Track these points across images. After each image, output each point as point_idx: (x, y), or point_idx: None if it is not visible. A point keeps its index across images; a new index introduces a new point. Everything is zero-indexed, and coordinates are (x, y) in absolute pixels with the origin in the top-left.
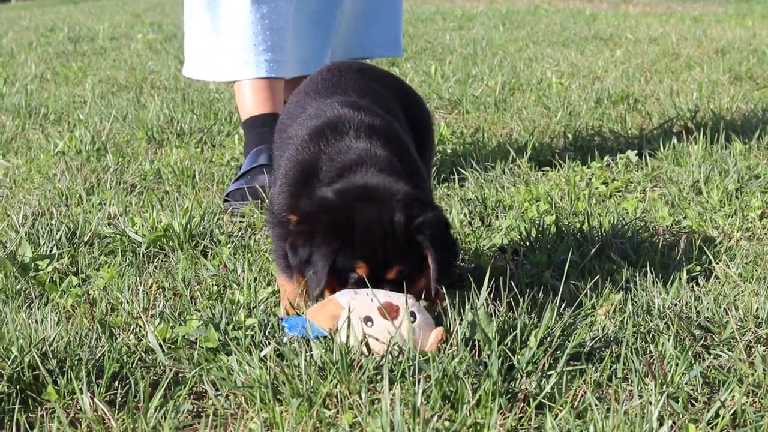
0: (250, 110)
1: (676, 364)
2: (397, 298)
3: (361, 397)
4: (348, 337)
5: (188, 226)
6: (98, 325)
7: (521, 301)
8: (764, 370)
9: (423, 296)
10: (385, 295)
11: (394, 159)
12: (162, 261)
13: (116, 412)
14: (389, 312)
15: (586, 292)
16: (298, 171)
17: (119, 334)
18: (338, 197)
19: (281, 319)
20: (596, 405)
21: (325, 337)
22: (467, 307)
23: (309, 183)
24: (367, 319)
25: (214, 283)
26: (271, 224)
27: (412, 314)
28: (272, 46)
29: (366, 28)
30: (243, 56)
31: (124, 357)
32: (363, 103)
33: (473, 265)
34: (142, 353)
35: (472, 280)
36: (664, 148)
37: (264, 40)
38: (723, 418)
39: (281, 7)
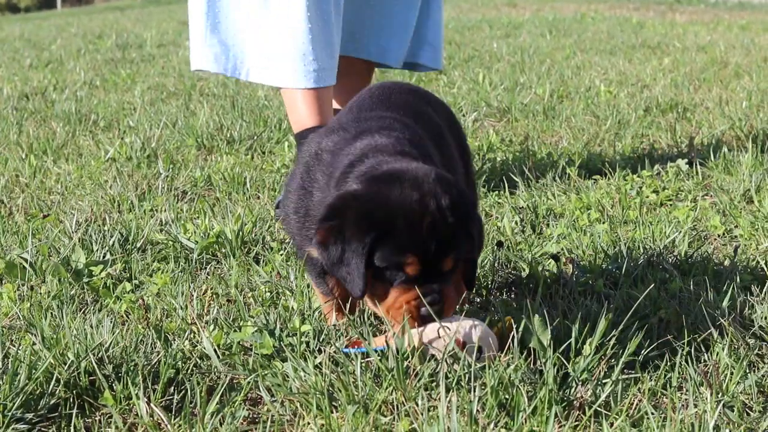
0: (304, 122)
1: (731, 373)
2: (463, 331)
3: (417, 404)
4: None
5: (240, 233)
6: (153, 330)
7: (575, 309)
8: None
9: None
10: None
11: (422, 148)
12: (215, 267)
13: (172, 417)
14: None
15: (640, 301)
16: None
17: (174, 340)
18: (365, 185)
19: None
20: (652, 413)
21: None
22: (522, 314)
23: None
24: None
25: (267, 289)
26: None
27: (479, 349)
28: (321, 54)
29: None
30: (293, 65)
31: (180, 363)
32: (392, 113)
33: (526, 273)
34: (197, 359)
35: (525, 287)
36: (714, 156)
37: (314, 48)
38: None
39: (328, 14)
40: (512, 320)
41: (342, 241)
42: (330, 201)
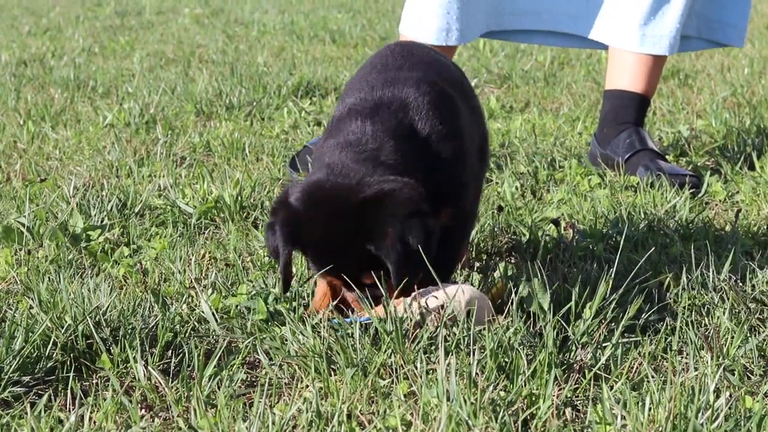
0: None
1: (732, 337)
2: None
3: (416, 367)
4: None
5: (239, 198)
6: (151, 294)
7: (575, 273)
8: None
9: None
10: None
11: (403, 144)
12: (213, 232)
13: (170, 380)
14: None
15: (640, 265)
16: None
17: (172, 303)
18: (299, 192)
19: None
20: (652, 377)
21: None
22: (522, 278)
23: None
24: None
25: (265, 254)
26: None
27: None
28: (456, 15)
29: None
30: (429, 19)
31: (177, 326)
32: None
33: (526, 238)
34: (195, 323)
35: (526, 252)
36: (715, 123)
37: (450, 12)
38: None
39: None
40: (503, 285)
41: (274, 237)
42: (281, 193)
